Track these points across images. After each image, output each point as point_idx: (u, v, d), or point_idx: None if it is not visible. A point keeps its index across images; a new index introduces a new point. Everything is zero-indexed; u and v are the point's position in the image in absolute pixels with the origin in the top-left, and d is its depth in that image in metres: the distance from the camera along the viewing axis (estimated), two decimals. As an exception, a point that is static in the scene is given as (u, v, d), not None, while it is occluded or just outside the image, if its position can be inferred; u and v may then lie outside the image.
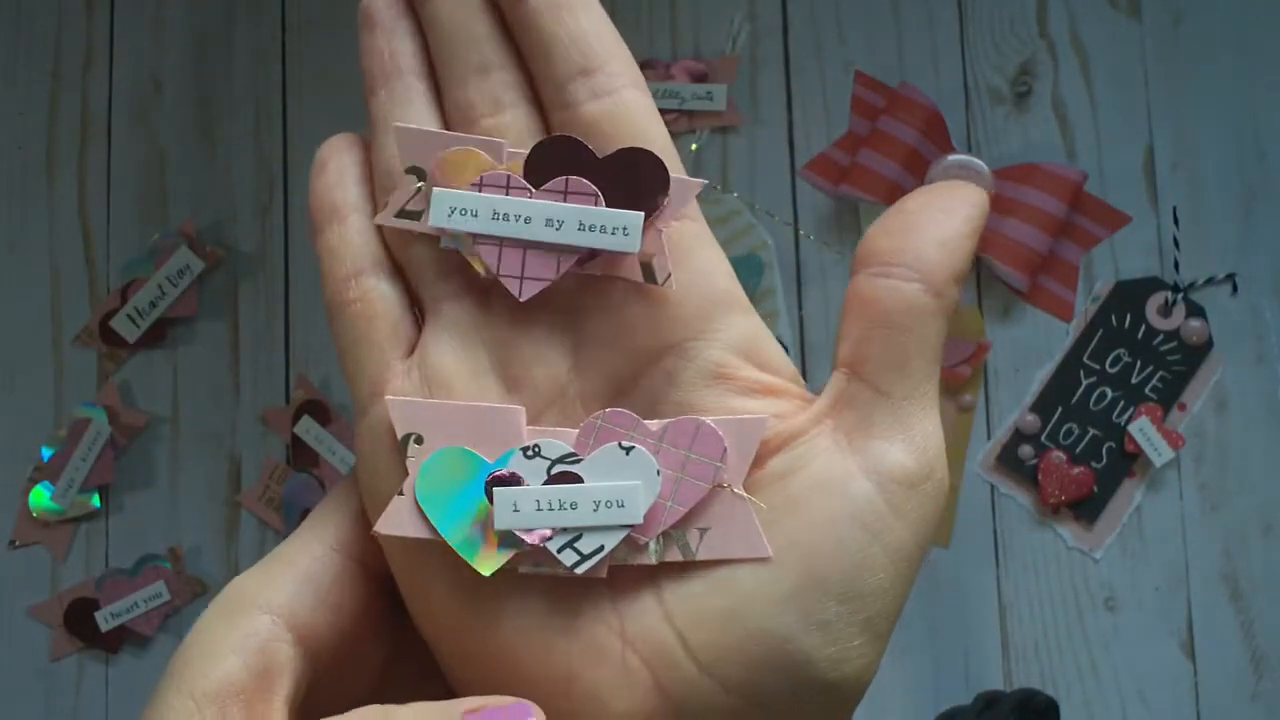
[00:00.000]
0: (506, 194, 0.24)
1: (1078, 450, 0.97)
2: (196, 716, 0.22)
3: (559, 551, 0.23)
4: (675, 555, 0.23)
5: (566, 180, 0.24)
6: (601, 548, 0.23)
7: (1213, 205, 0.98)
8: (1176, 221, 0.98)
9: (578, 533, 0.23)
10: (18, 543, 1.00)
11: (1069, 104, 1.00)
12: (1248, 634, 0.95)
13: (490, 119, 0.25)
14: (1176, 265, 0.97)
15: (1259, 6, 0.99)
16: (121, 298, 1.01)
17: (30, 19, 1.06)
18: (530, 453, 0.24)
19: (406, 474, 0.24)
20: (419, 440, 0.24)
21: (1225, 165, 0.98)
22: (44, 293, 1.03)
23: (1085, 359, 0.98)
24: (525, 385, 0.25)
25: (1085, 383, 0.97)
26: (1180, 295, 0.97)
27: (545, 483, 0.24)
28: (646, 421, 0.24)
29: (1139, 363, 0.97)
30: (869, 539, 0.23)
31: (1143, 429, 0.95)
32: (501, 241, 0.24)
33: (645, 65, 1.02)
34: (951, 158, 0.97)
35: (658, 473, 0.23)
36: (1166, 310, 0.97)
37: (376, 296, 0.25)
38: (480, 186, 0.24)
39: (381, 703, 0.22)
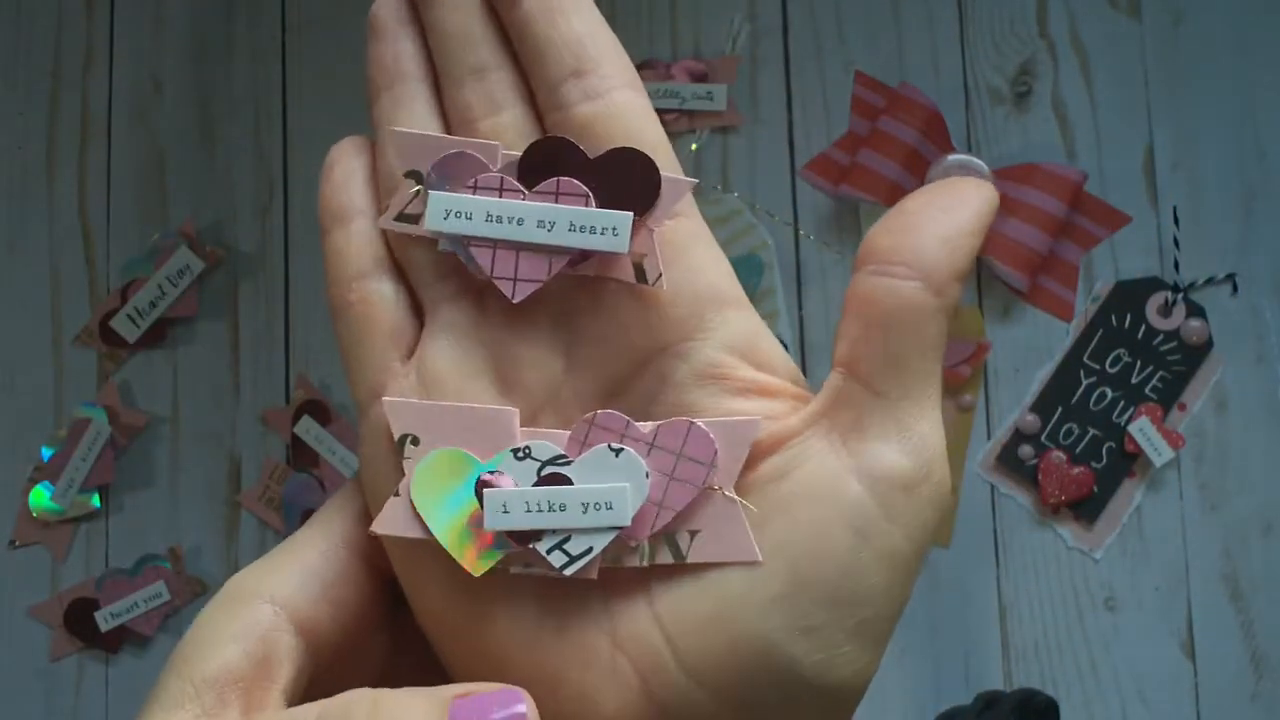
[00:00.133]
0: (500, 196, 0.25)
1: (1078, 450, 0.97)
2: (195, 702, 0.22)
3: (548, 553, 0.23)
4: (666, 558, 0.23)
5: (558, 182, 0.24)
6: (590, 549, 0.23)
7: (1213, 205, 0.98)
8: (1176, 221, 0.98)
9: (567, 534, 0.23)
10: (18, 543, 1.01)
11: (1069, 104, 1.00)
12: (1248, 634, 0.95)
13: (487, 120, 0.25)
14: (1176, 265, 0.97)
15: (1259, 6, 0.99)
16: (121, 298, 1.01)
17: (30, 19, 1.06)
18: (521, 454, 0.24)
19: (403, 474, 0.24)
20: (415, 441, 0.24)
21: (1225, 165, 0.98)
22: (44, 293, 1.03)
23: (1085, 359, 0.98)
24: (520, 386, 0.25)
25: (1085, 383, 0.97)
26: (1180, 295, 0.97)
27: (535, 484, 0.24)
28: (638, 423, 0.24)
29: (1139, 363, 0.97)
30: (859, 543, 0.22)
31: (1143, 429, 0.95)
32: (495, 243, 0.24)
33: (645, 65, 1.02)
34: (951, 158, 0.97)
35: (646, 475, 0.23)
36: (1166, 310, 0.97)
37: (378, 298, 0.25)
38: (475, 189, 0.25)
39: None
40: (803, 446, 0.23)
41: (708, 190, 1.00)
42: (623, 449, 0.24)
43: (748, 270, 0.98)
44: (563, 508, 0.23)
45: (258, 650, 0.23)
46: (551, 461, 0.24)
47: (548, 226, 0.24)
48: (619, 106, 0.25)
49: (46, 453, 1.00)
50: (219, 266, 1.03)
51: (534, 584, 0.24)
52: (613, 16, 0.26)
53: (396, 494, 0.24)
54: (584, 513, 0.23)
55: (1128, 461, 0.96)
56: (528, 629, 0.24)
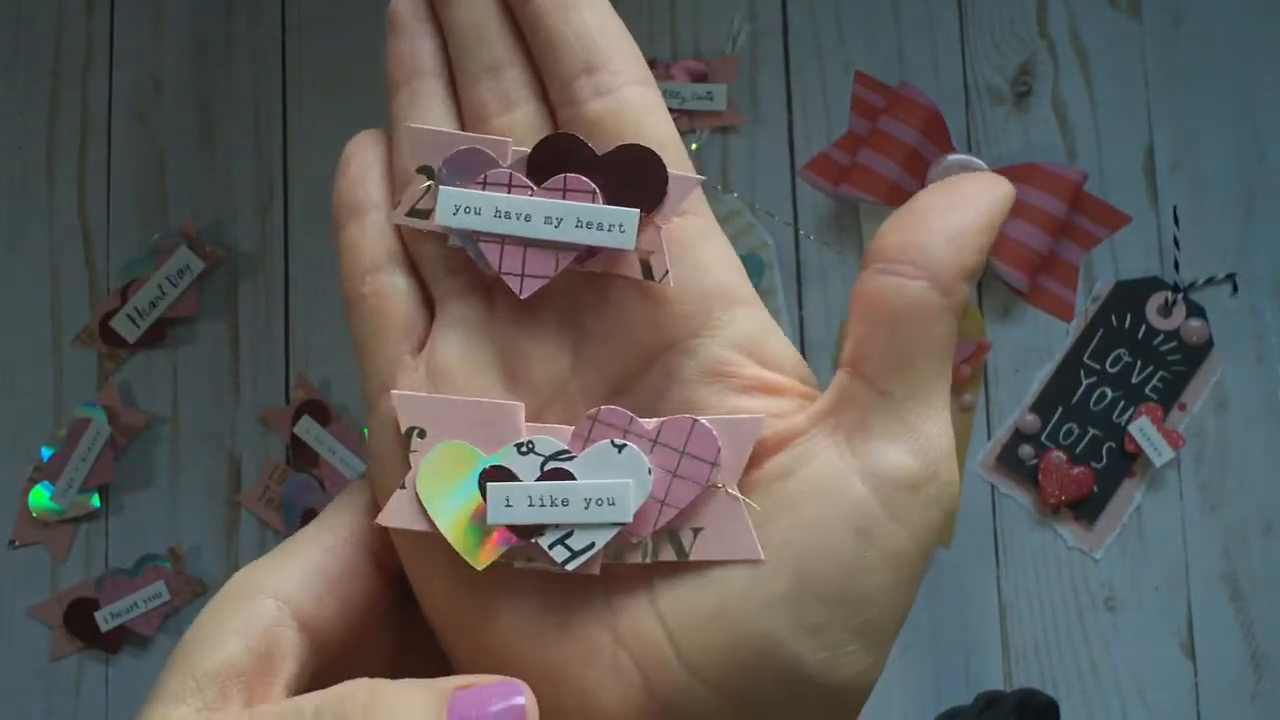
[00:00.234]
0: (508, 192, 0.25)
1: (1078, 450, 0.97)
2: (197, 696, 0.22)
3: (550, 547, 0.23)
4: (669, 555, 0.23)
5: (565, 178, 0.24)
6: (592, 545, 0.23)
7: (1213, 205, 0.98)
8: (1176, 221, 0.98)
9: (569, 529, 0.23)
10: (18, 543, 1.00)
11: (1069, 104, 1.00)
12: (1248, 634, 0.95)
13: (501, 117, 0.25)
14: (1176, 265, 0.97)
15: (1259, 6, 0.99)
16: (121, 298, 1.01)
17: (30, 19, 1.06)
18: (525, 449, 0.24)
19: (410, 467, 0.24)
20: (422, 434, 0.24)
21: (1225, 165, 0.98)
22: (44, 293, 1.03)
23: (1085, 359, 0.98)
24: (527, 382, 0.25)
25: (1085, 383, 0.97)
26: (1180, 295, 0.97)
27: (538, 479, 0.24)
28: (642, 420, 0.24)
29: (1139, 363, 0.97)
30: (863, 543, 0.22)
31: (1143, 429, 0.95)
32: (504, 239, 0.25)
33: (645, 65, 1.02)
34: (952, 158, 0.97)
35: (649, 471, 0.23)
36: (1167, 310, 0.97)
37: (391, 292, 0.25)
38: (484, 184, 0.25)
39: None
40: (808, 445, 0.23)
41: (708, 190, 1.00)
42: (626, 445, 0.24)
43: (748, 270, 0.98)
44: (565, 503, 0.23)
45: (260, 645, 0.23)
46: (555, 456, 0.24)
47: (555, 222, 0.24)
48: (629, 103, 0.25)
49: (46, 453, 1.00)
50: (219, 266, 1.03)
51: (537, 579, 0.24)
52: (612, 17, 0.26)
53: (402, 487, 0.24)
54: (586, 508, 0.23)
55: (1128, 461, 0.96)
56: (530, 624, 0.24)
